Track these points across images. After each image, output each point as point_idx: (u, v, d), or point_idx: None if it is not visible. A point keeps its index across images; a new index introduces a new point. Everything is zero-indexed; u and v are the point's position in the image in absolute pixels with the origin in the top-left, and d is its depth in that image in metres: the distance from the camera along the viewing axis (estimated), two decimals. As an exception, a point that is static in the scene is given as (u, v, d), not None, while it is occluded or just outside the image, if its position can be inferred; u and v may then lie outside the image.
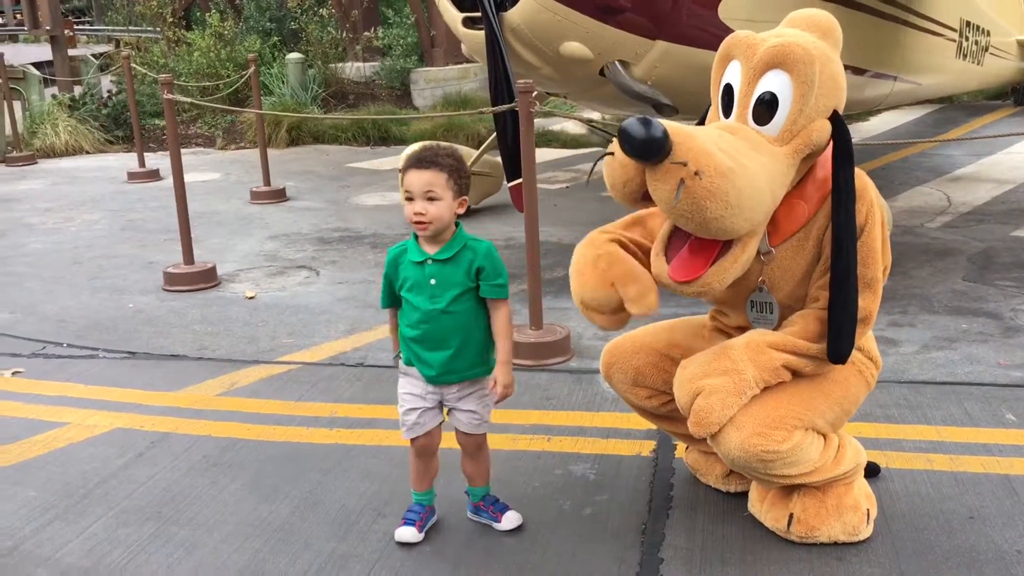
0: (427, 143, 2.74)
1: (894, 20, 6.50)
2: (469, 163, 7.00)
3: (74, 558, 2.79)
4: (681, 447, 3.22)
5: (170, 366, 4.37)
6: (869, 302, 2.53)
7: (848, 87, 2.55)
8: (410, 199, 2.59)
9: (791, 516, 2.70)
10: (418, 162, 2.59)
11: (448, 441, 2.83)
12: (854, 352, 2.61)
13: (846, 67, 2.59)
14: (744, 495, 2.92)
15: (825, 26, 2.55)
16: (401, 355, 2.76)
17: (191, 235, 5.70)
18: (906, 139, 10.78)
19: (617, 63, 4.96)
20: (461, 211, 2.61)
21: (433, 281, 2.62)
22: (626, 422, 3.49)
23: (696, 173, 2.20)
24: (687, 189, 2.22)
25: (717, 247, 2.42)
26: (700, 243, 2.44)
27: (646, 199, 2.36)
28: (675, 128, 2.25)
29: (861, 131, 11.01)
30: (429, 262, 2.63)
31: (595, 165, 2.46)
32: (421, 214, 2.56)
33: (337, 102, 12.41)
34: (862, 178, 2.52)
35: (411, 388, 2.74)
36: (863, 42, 5.97)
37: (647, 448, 3.33)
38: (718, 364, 2.52)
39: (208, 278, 5.65)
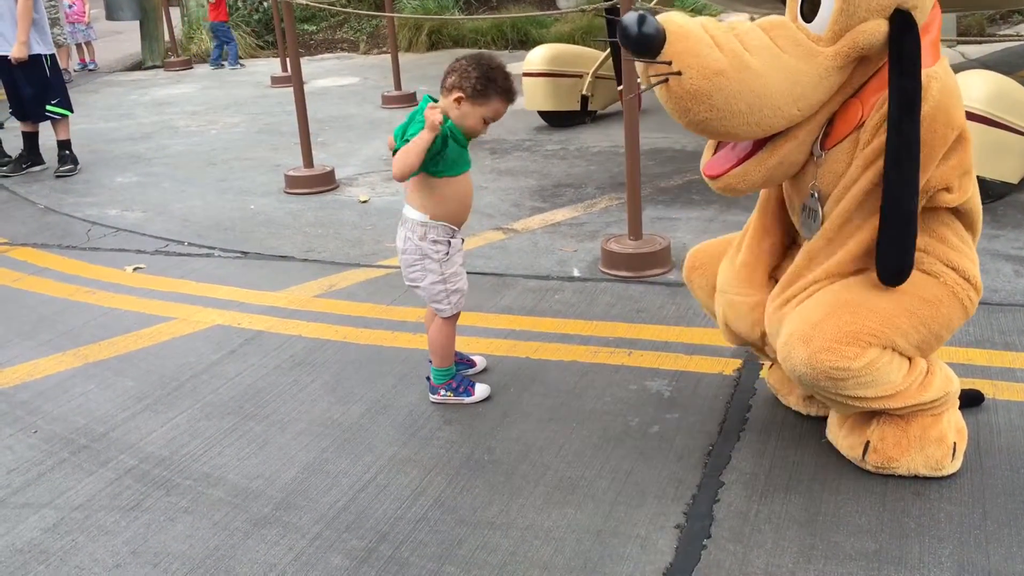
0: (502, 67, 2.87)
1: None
2: (595, 65, 6.78)
3: (155, 447, 2.93)
4: (767, 367, 3.05)
5: (277, 266, 4.48)
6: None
7: None
8: (488, 123, 2.88)
9: (867, 444, 2.51)
10: (512, 96, 2.87)
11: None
12: (947, 272, 2.37)
13: None
14: (825, 420, 2.74)
15: None
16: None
17: (310, 139, 5.79)
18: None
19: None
20: None
21: None
22: (714, 338, 3.33)
23: (679, 73, 2.12)
24: (668, 88, 2.15)
25: (751, 148, 2.28)
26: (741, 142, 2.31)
27: None
28: (673, 26, 2.15)
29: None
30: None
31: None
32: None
33: (480, 4, 12.25)
34: (937, 88, 2.21)
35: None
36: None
37: (731, 367, 3.17)
38: None
39: (326, 181, 5.74)
